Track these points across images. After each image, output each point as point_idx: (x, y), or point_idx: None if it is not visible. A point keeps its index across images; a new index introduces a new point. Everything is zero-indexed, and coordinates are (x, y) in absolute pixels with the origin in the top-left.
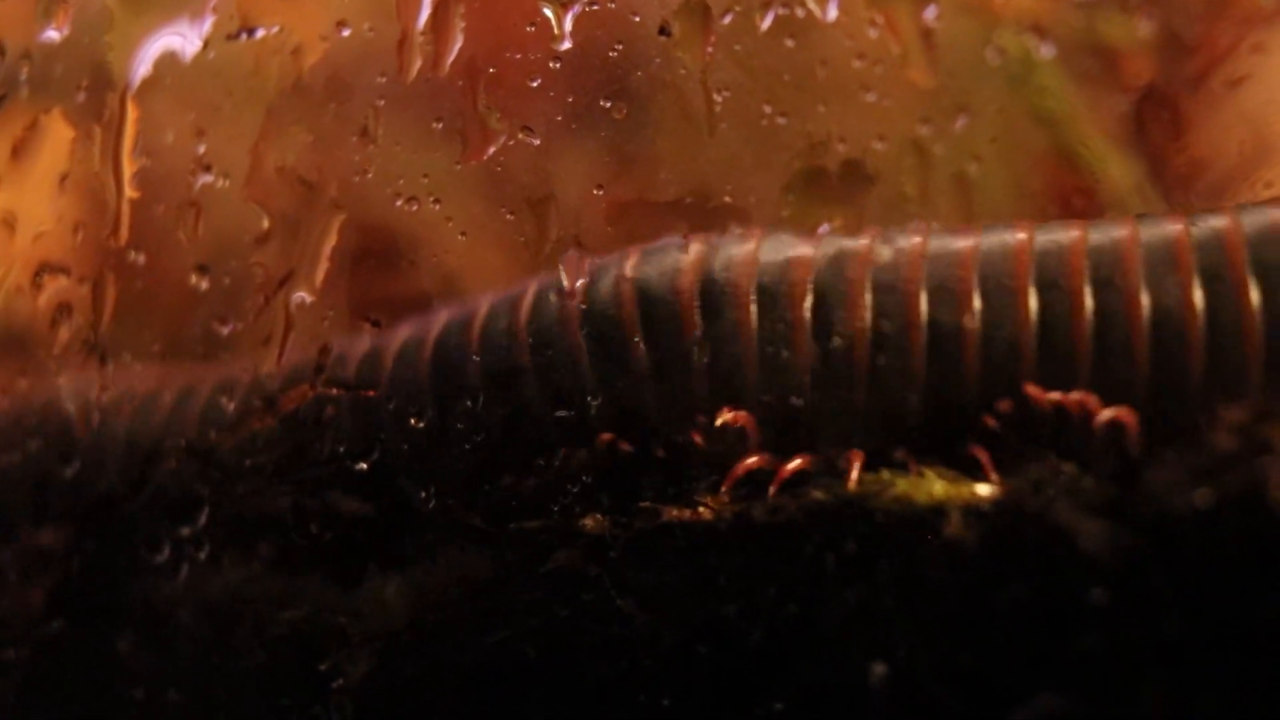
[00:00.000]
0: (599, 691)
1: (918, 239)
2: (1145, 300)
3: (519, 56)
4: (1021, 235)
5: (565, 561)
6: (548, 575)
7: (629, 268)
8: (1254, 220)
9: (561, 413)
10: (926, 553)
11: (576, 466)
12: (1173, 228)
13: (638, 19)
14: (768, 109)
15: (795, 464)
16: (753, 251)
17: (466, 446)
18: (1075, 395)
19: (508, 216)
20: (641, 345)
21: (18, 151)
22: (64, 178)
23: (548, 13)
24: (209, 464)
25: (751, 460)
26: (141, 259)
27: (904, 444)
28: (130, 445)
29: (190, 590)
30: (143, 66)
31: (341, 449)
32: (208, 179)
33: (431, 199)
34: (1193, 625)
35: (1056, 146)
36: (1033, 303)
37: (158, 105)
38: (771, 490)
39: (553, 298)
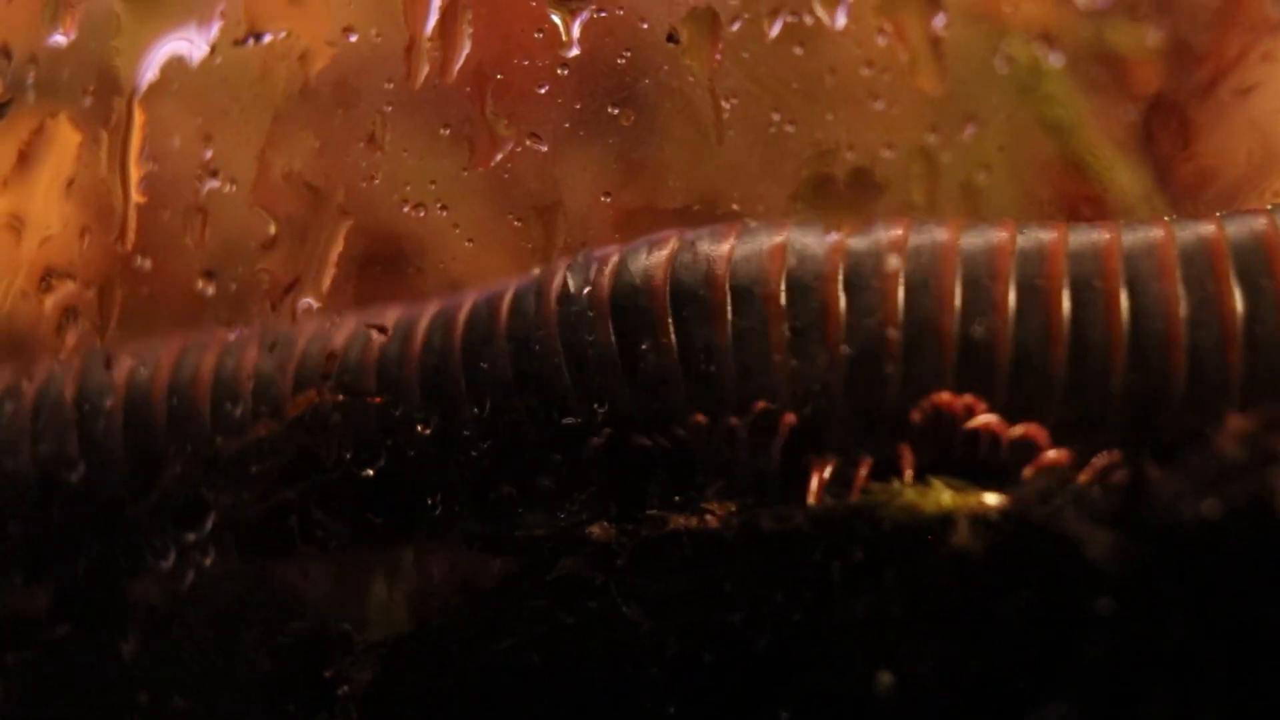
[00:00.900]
0: (604, 699)
1: (948, 232)
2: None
3: (527, 63)
4: (1055, 234)
5: (571, 569)
6: (554, 582)
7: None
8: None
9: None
10: (933, 562)
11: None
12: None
13: (646, 26)
14: (776, 117)
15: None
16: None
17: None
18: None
19: (515, 223)
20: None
21: (24, 156)
22: (70, 182)
23: (555, 19)
24: (215, 470)
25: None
26: (148, 264)
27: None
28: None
29: (196, 595)
30: (150, 71)
31: (355, 449)
32: (214, 184)
33: (438, 205)
34: (1200, 635)
35: (1065, 155)
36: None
37: (165, 110)
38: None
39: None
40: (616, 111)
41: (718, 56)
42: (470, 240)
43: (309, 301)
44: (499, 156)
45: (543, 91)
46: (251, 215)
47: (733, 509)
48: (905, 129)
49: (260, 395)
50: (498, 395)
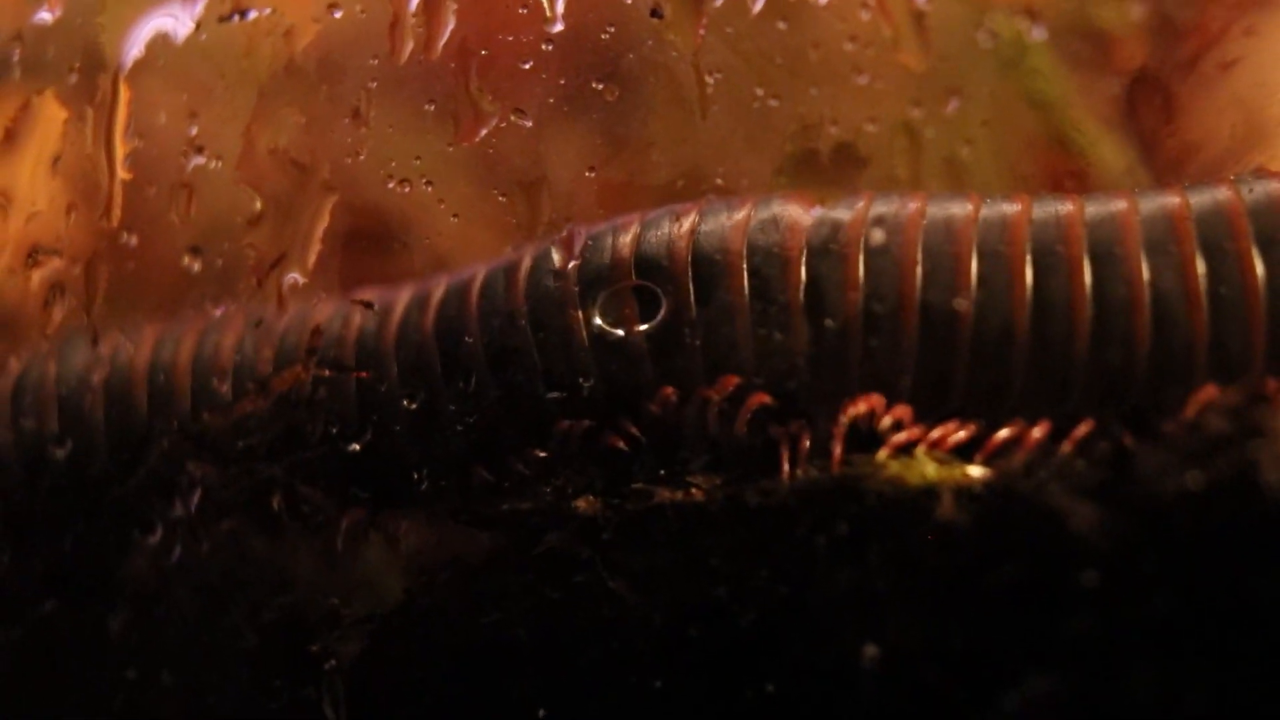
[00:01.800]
0: (591, 673)
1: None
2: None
3: (511, 39)
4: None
5: (557, 543)
6: (540, 557)
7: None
8: None
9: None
10: (917, 535)
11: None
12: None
13: (629, 1)
14: (760, 91)
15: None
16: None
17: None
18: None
19: (500, 199)
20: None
21: (10, 133)
22: (56, 159)
23: None
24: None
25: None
26: (134, 240)
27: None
28: None
29: (183, 571)
30: (135, 48)
31: (341, 425)
32: (200, 160)
33: (424, 181)
34: (1183, 607)
35: (1048, 130)
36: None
37: (150, 87)
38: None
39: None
40: (601, 87)
41: (701, 32)
42: (455, 216)
43: (295, 277)
44: (484, 132)
45: (527, 67)
46: (237, 191)
47: (717, 483)
48: (889, 104)
49: (243, 372)
50: (482, 371)
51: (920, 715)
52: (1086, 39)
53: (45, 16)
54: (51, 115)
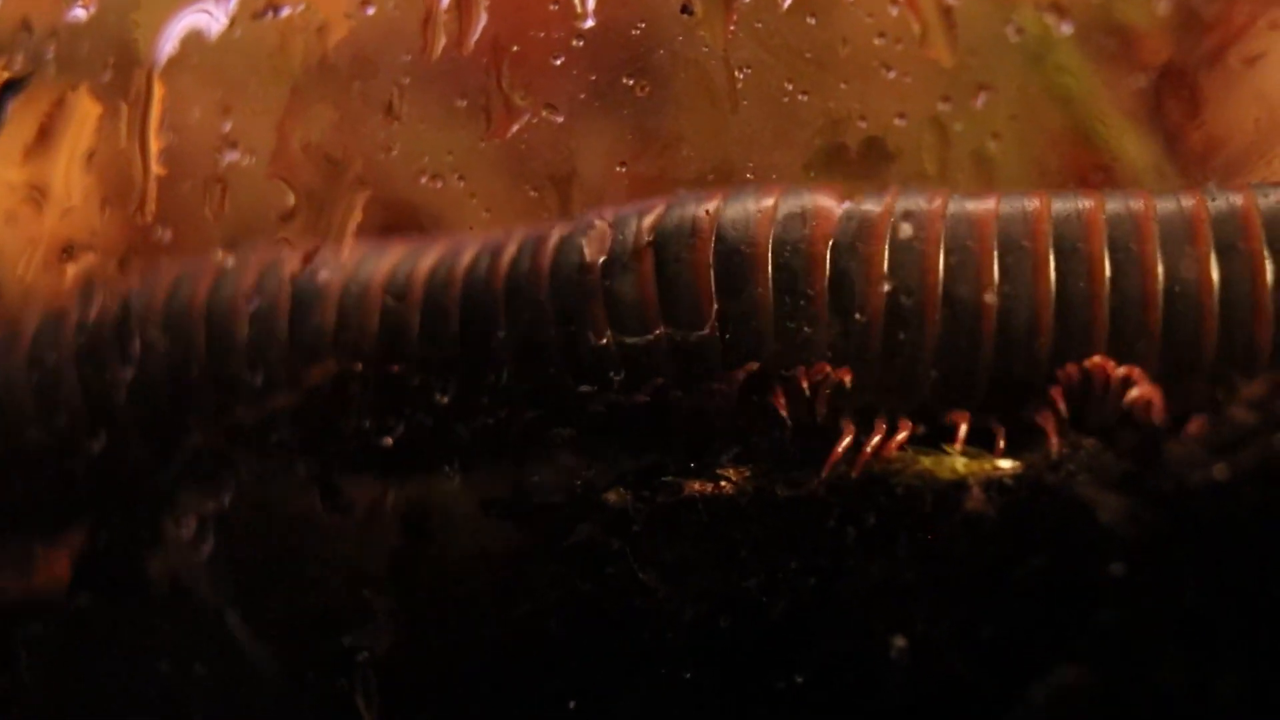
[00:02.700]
0: (621, 664)
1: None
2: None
3: (542, 35)
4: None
5: (588, 535)
6: (571, 549)
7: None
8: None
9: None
10: (947, 528)
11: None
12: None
13: None
14: (789, 86)
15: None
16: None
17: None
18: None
19: (531, 193)
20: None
21: (45, 129)
22: (91, 155)
23: None
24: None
25: None
26: (168, 235)
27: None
28: None
29: (216, 561)
30: (169, 44)
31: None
32: (233, 156)
33: (456, 176)
34: (1211, 598)
35: (1074, 124)
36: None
37: (184, 83)
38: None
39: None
40: (631, 82)
41: (731, 27)
42: (487, 210)
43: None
44: (515, 127)
45: (558, 63)
46: (270, 187)
47: (748, 475)
48: (917, 98)
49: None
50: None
51: (949, 706)
52: (1112, 34)
53: (80, 13)
54: (86, 111)
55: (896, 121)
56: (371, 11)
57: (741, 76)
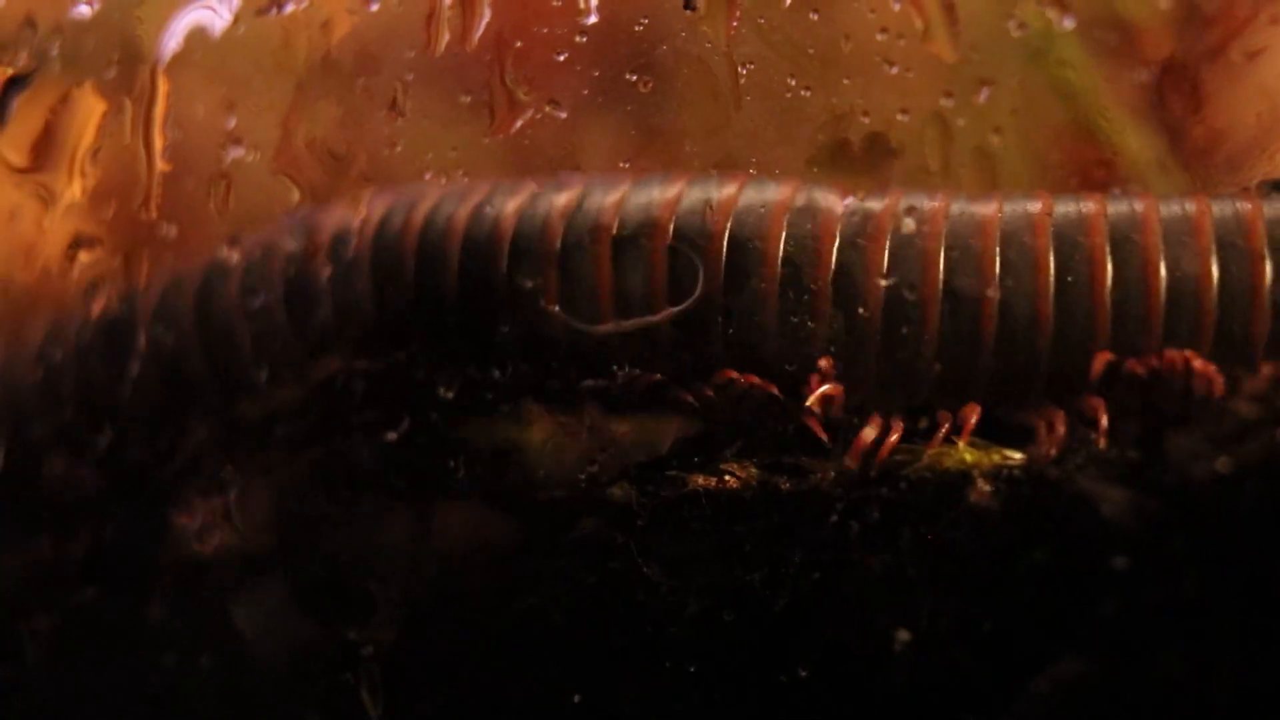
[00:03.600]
0: (625, 658)
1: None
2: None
3: (545, 30)
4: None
5: (592, 529)
6: (575, 543)
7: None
8: None
9: None
10: (950, 521)
11: None
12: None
13: None
14: (792, 82)
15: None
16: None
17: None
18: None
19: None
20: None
21: (50, 125)
22: (95, 151)
23: None
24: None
25: None
26: (173, 231)
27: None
28: None
29: (216, 558)
30: (173, 41)
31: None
32: (238, 152)
33: (460, 172)
34: (1213, 592)
35: (1076, 119)
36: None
37: (188, 79)
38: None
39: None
40: (634, 78)
41: (734, 23)
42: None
43: None
44: (519, 123)
45: (562, 59)
46: (275, 183)
47: (752, 470)
48: (920, 94)
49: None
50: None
51: (952, 699)
52: (1114, 28)
53: (84, 10)
54: (90, 108)
55: (899, 117)
56: (375, 8)
57: (744, 72)
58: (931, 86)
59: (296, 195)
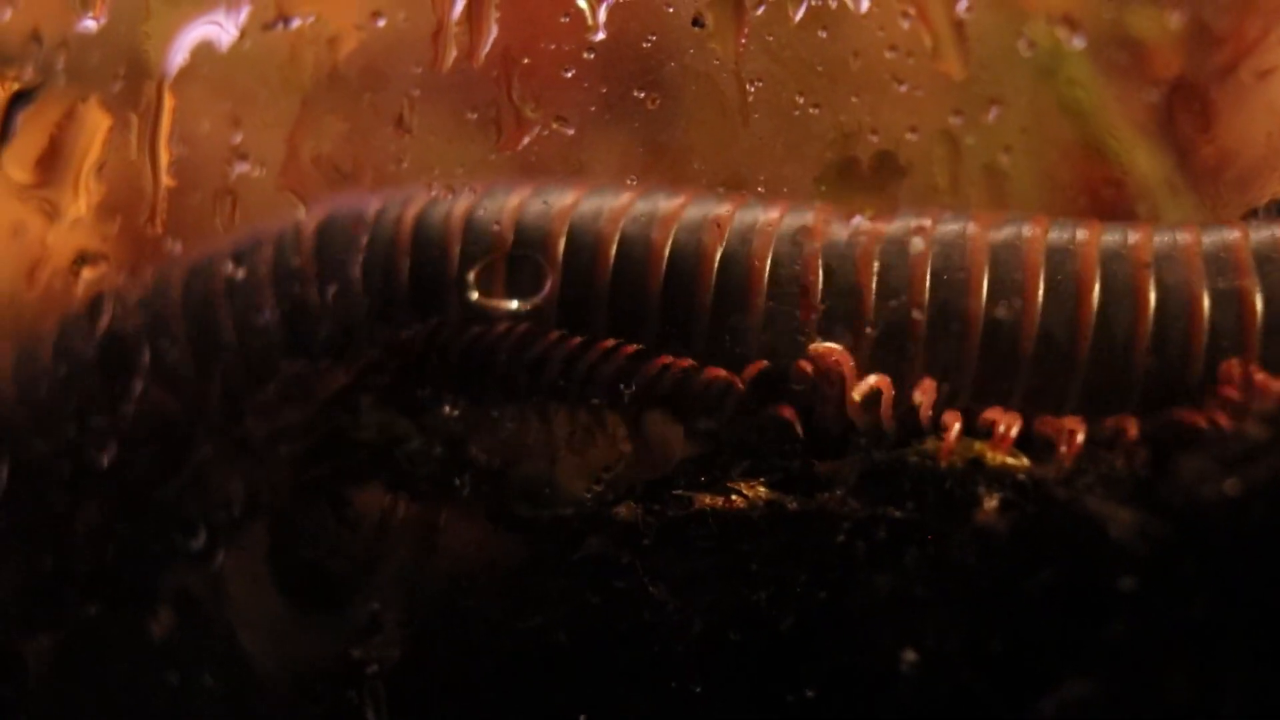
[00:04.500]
0: (631, 677)
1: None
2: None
3: (553, 47)
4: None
5: (598, 548)
6: (580, 562)
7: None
8: None
9: None
10: (957, 541)
11: None
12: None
13: (671, 10)
14: (800, 100)
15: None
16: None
17: None
18: None
19: None
20: None
21: (55, 140)
22: (101, 166)
23: (581, 3)
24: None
25: None
26: (178, 247)
27: None
28: None
29: (222, 574)
30: (179, 55)
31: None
32: (243, 168)
33: (467, 188)
34: (1222, 613)
35: (1086, 138)
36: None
37: (194, 94)
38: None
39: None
40: (642, 95)
41: (743, 40)
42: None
43: None
44: (526, 140)
45: (569, 75)
46: (280, 198)
47: (759, 489)
48: (929, 112)
49: None
50: None
51: (959, 718)
52: (1124, 47)
53: (90, 24)
54: (96, 122)
55: (908, 135)
56: (382, 23)
57: (752, 89)
58: (940, 105)
59: (302, 211)
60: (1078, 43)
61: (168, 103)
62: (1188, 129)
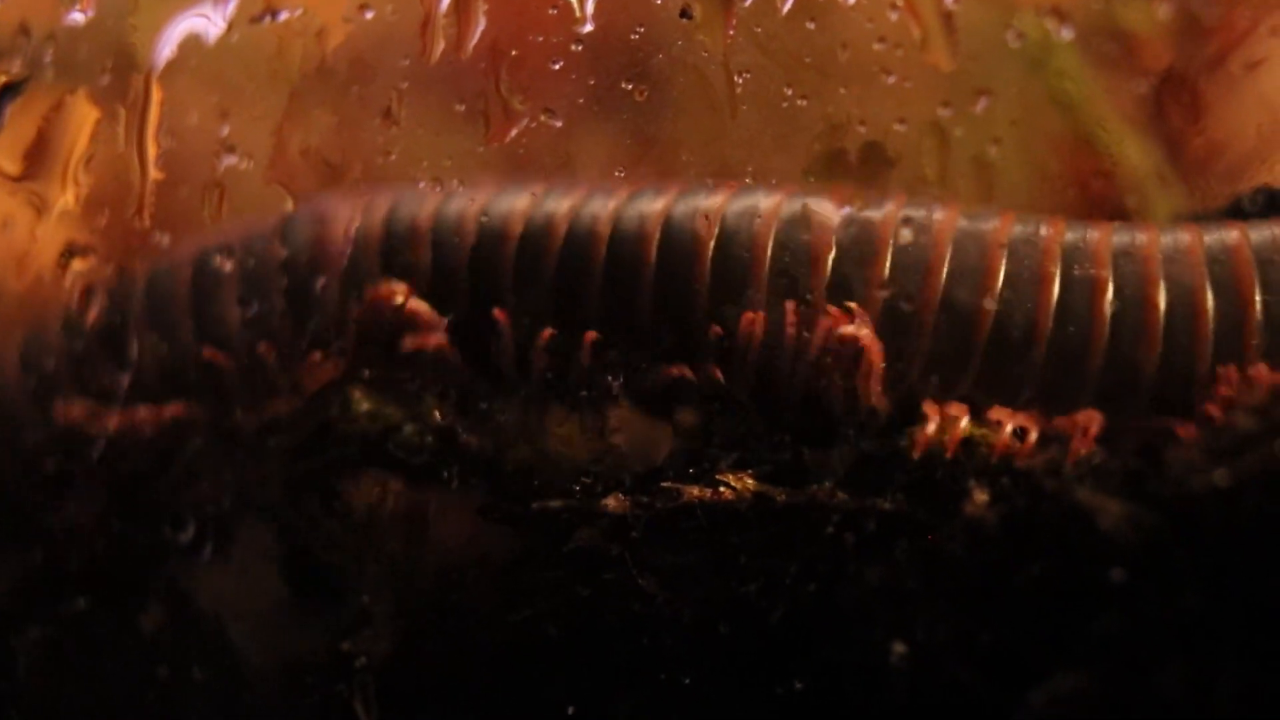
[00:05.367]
0: (620, 670)
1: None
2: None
3: (541, 39)
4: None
5: (587, 541)
6: (569, 555)
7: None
8: None
9: None
10: (947, 533)
11: None
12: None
13: (659, 2)
14: (789, 91)
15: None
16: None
17: None
18: None
19: None
20: None
21: (43, 133)
22: (89, 159)
23: None
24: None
25: None
26: (166, 240)
27: None
28: None
29: (211, 568)
30: (167, 48)
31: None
32: (231, 161)
33: (454, 181)
34: (1212, 605)
35: (1075, 129)
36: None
37: (182, 87)
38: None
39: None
40: (630, 87)
41: (731, 32)
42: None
43: None
44: (514, 132)
45: (557, 67)
46: (268, 191)
47: (748, 481)
48: (917, 103)
49: None
50: None
51: (949, 712)
52: (1113, 39)
53: (77, 17)
54: (84, 115)
55: (896, 127)
56: (370, 16)
57: (741, 81)
58: (929, 96)
59: (290, 204)
60: (1067, 34)
61: (155, 95)
62: (1177, 121)
